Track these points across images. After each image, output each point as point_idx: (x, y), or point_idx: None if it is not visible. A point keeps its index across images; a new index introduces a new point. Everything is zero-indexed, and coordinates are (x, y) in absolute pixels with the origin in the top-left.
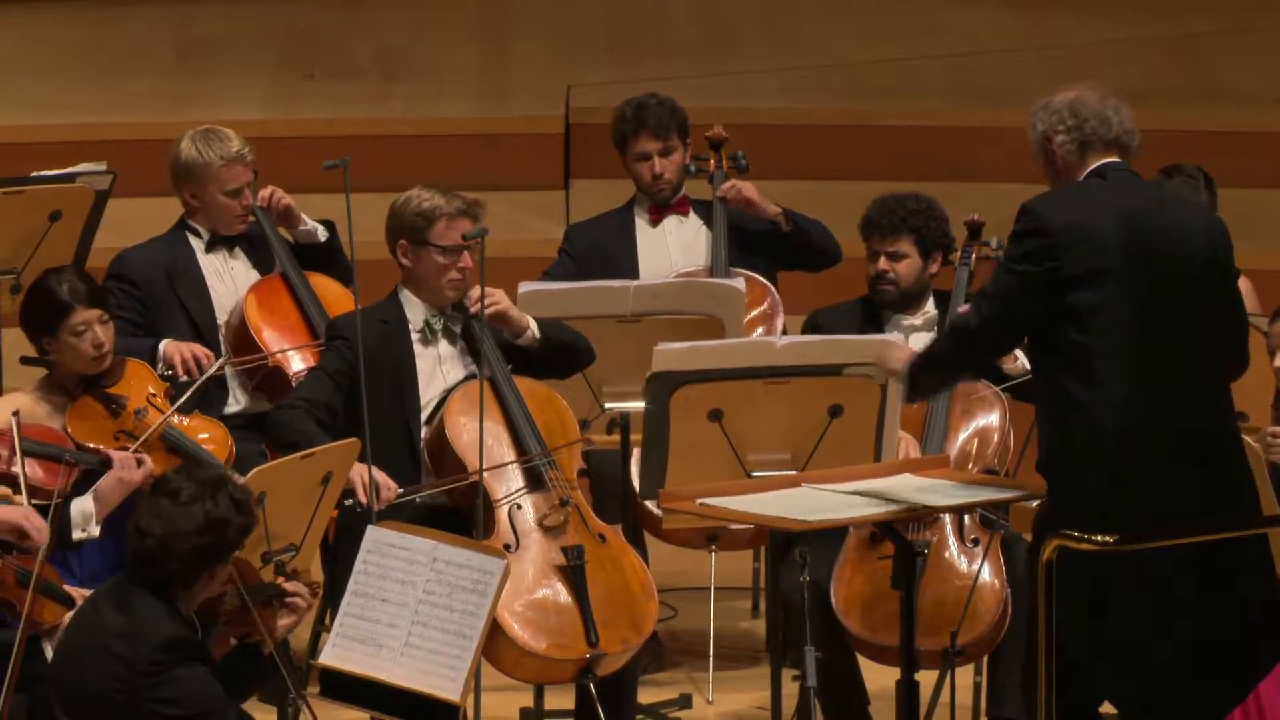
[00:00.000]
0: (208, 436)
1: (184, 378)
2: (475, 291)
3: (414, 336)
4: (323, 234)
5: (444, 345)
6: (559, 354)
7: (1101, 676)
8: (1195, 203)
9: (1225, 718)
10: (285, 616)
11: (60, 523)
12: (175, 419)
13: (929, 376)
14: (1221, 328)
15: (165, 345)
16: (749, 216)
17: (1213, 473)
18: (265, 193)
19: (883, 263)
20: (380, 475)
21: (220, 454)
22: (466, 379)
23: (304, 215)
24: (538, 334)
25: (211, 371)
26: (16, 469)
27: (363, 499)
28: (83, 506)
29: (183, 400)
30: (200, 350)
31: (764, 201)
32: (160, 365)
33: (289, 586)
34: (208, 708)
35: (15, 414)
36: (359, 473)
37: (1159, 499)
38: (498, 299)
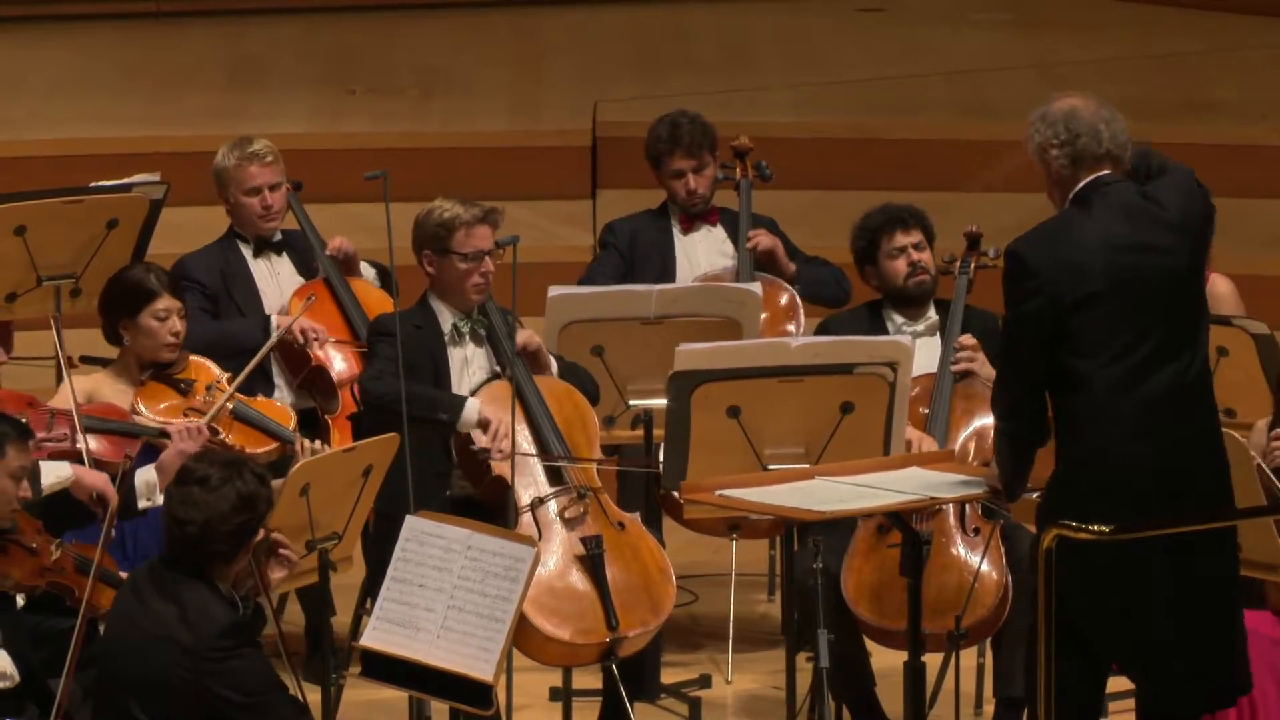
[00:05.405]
0: (271, 408)
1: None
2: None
3: (444, 338)
4: (375, 277)
5: (470, 347)
6: None
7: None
8: (1171, 194)
9: (1219, 715)
10: (277, 569)
11: (125, 493)
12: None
13: (1005, 460)
14: (1199, 322)
15: (278, 317)
16: (774, 231)
17: (1203, 479)
18: (335, 243)
19: (914, 253)
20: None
21: (286, 421)
22: (489, 379)
23: (361, 263)
24: (555, 376)
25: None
26: (80, 444)
27: (485, 444)
28: (147, 477)
29: (247, 371)
30: (310, 323)
31: (784, 258)
32: (272, 336)
33: (276, 537)
34: (263, 694)
35: (73, 393)
36: (497, 417)
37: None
38: (529, 337)
